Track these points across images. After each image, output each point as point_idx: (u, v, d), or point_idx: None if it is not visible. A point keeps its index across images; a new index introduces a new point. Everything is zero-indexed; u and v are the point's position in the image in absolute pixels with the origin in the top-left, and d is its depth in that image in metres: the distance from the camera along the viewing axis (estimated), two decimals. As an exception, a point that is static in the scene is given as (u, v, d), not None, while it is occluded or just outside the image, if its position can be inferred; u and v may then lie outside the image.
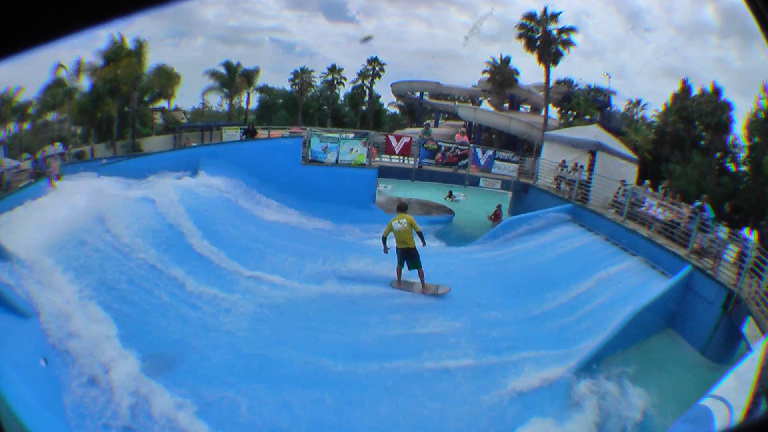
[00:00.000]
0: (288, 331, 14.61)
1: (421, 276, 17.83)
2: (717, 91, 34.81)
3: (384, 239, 17.51)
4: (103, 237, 15.64)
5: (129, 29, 38.23)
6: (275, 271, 18.43)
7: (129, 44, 36.74)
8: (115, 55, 35.88)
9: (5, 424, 6.30)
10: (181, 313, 14.33)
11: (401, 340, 14.58)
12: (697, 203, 20.44)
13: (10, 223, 16.27)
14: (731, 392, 6.18)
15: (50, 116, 37.03)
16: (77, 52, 36.21)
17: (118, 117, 37.56)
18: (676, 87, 36.77)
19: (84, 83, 36.54)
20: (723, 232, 17.59)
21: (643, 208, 21.50)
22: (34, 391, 8.98)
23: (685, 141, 34.96)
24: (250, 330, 14.42)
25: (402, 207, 18.07)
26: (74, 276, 13.02)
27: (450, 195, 33.36)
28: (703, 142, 35.11)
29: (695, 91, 36.03)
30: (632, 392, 12.11)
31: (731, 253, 16.26)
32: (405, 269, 17.98)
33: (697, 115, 34.68)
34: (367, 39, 54.18)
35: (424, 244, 17.50)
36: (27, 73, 35.74)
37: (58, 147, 30.72)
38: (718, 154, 34.15)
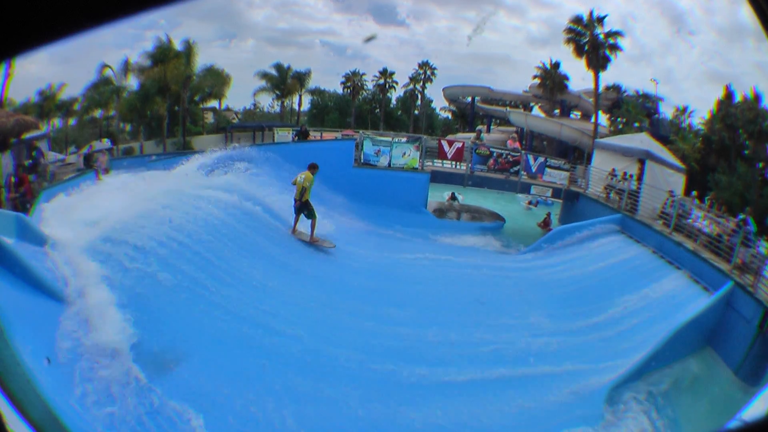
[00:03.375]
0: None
1: (313, 227, 20.66)
2: (757, 97, 34.05)
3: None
4: (144, 229, 15.62)
5: (176, 31, 39.22)
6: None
7: (177, 46, 37.54)
8: (162, 55, 36.67)
9: (32, 407, 6.17)
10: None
11: (445, 348, 14.93)
12: (741, 216, 20.61)
13: (55, 213, 16.98)
14: (756, 416, 6.56)
15: (97, 113, 38.23)
16: (123, 53, 37.18)
17: (168, 115, 38.48)
18: (721, 93, 36.16)
19: (132, 82, 37.60)
20: (764, 246, 17.60)
21: (690, 220, 21.49)
22: (64, 377, 9.32)
23: (730, 150, 34.39)
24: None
25: (312, 166, 20.82)
26: (110, 265, 13.18)
27: (453, 197, 33.35)
28: (747, 152, 34.37)
29: (738, 97, 35.39)
30: (665, 412, 12.47)
31: (770, 269, 16.08)
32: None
33: (741, 123, 34.08)
34: (370, 39, 54.50)
35: (305, 200, 20.29)
36: (70, 71, 36.85)
37: (105, 143, 31.59)
38: (761, 164, 33.27)
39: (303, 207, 20.35)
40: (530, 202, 35.06)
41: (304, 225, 20.92)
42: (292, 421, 10.77)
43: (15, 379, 7.14)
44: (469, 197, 32.09)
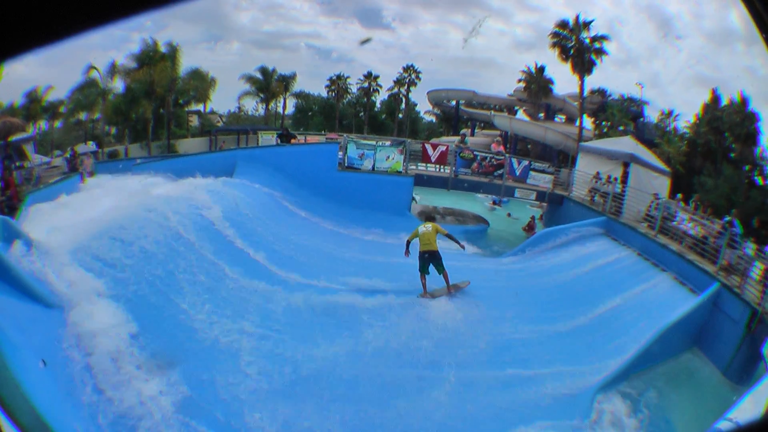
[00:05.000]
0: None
1: (446, 278, 18.40)
2: (744, 101, 34.37)
3: (408, 242, 18.22)
4: (131, 231, 15.70)
5: (162, 33, 39.19)
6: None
7: (162, 48, 37.53)
8: (148, 58, 36.63)
9: (22, 413, 6.10)
10: (201, 314, 14.28)
11: (427, 350, 14.78)
12: (727, 218, 20.55)
13: (40, 216, 16.95)
14: (746, 415, 6.57)
15: (83, 115, 38.07)
16: (110, 54, 37.13)
17: (153, 118, 38.21)
18: (707, 97, 36.50)
19: (117, 85, 37.49)
20: (750, 248, 17.55)
21: (675, 223, 21.49)
22: (53, 382, 9.20)
23: (716, 153, 34.63)
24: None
25: (430, 218, 19.70)
26: (98, 269, 13.28)
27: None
28: (733, 155, 34.74)
29: (725, 101, 35.72)
30: (652, 413, 12.38)
31: (757, 270, 16.08)
32: (430, 276, 18.31)
33: (727, 126, 34.42)
34: (365, 42, 54.57)
35: (462, 246, 18.98)
36: (57, 73, 36.81)
37: (91, 145, 31.49)
38: (747, 167, 33.77)
39: (433, 258, 18.18)
40: (494, 202, 35.32)
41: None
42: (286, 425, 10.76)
43: (4, 384, 7.10)
44: (427, 197, 32.03)
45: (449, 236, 18.32)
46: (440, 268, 18.23)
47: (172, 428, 9.69)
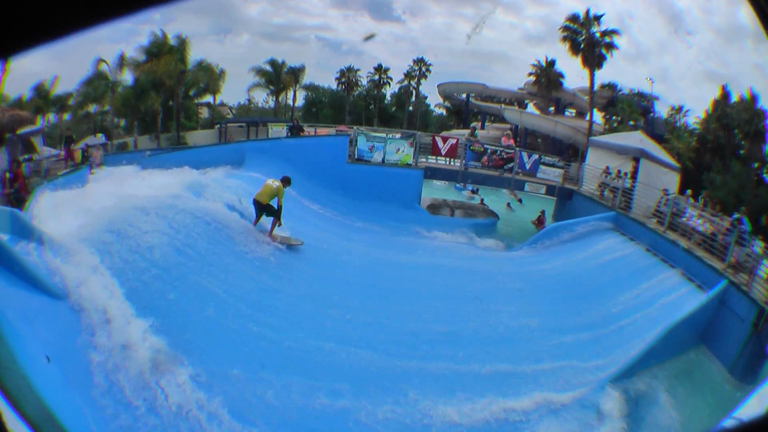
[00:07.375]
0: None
1: (273, 225, 19.60)
2: (754, 98, 34.10)
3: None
4: (140, 224, 15.83)
5: (171, 26, 39.05)
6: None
7: (171, 40, 37.23)
8: (157, 50, 36.34)
9: (28, 404, 5.71)
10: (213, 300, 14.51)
11: (438, 341, 14.97)
12: (736, 215, 20.60)
13: (48, 208, 16.96)
14: (752, 414, 6.51)
15: (92, 108, 37.81)
16: (119, 47, 37.03)
17: (163, 110, 38.16)
18: (717, 93, 36.24)
19: (126, 77, 37.35)
20: (759, 246, 17.46)
21: (684, 219, 21.44)
22: (61, 372, 9.16)
23: (725, 149, 34.48)
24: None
25: (285, 180, 19.74)
26: (107, 261, 13.23)
27: None
28: (742, 152, 34.58)
29: (735, 97, 35.47)
30: (658, 410, 12.39)
31: (765, 268, 16.04)
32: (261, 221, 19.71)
33: (736, 123, 34.21)
34: (369, 37, 54.45)
35: (280, 224, 19.53)
36: (66, 66, 36.58)
37: (100, 138, 31.46)
38: (756, 164, 33.62)
39: (260, 208, 19.57)
40: (472, 191, 35.71)
41: (277, 228, 19.95)
42: (287, 415, 10.82)
43: (11, 376, 7.10)
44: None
45: (278, 208, 19.19)
46: (271, 214, 19.47)
47: (185, 420, 9.74)
